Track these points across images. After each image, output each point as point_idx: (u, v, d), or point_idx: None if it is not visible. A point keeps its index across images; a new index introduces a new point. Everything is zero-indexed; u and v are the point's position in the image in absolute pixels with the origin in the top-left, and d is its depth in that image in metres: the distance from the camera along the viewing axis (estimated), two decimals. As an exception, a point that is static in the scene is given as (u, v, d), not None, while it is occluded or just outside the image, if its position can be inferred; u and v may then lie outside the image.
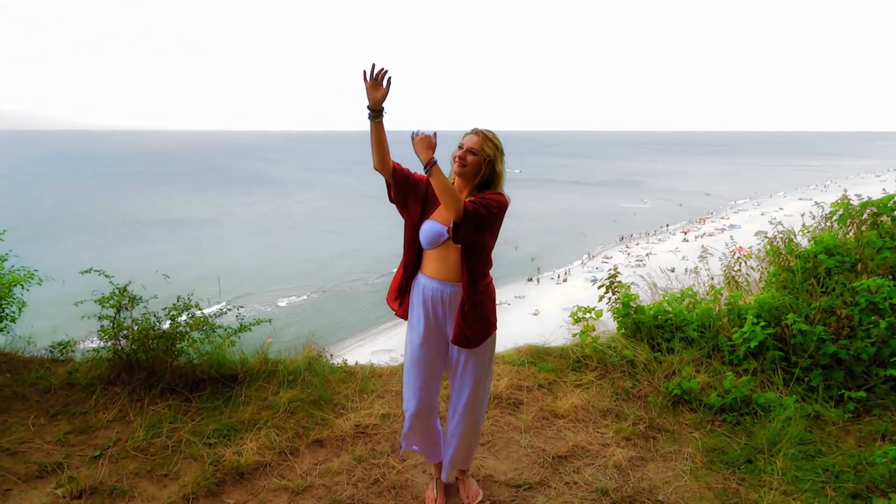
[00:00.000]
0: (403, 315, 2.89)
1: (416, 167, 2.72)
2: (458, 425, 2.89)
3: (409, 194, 2.70)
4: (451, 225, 2.51)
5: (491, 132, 2.68)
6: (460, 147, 2.67)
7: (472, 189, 2.70)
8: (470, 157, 2.64)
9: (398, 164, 2.69)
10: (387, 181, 2.70)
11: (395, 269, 2.88)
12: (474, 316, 2.69)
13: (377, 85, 2.47)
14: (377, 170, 2.64)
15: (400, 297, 2.88)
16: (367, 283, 47.35)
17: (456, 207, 2.43)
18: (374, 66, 2.47)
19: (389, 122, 2.58)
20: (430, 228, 2.66)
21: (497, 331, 2.86)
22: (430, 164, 2.44)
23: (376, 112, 2.49)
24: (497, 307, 2.87)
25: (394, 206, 2.76)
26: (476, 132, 2.67)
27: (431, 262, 2.73)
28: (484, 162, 2.65)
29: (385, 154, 2.60)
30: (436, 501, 3.00)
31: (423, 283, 2.76)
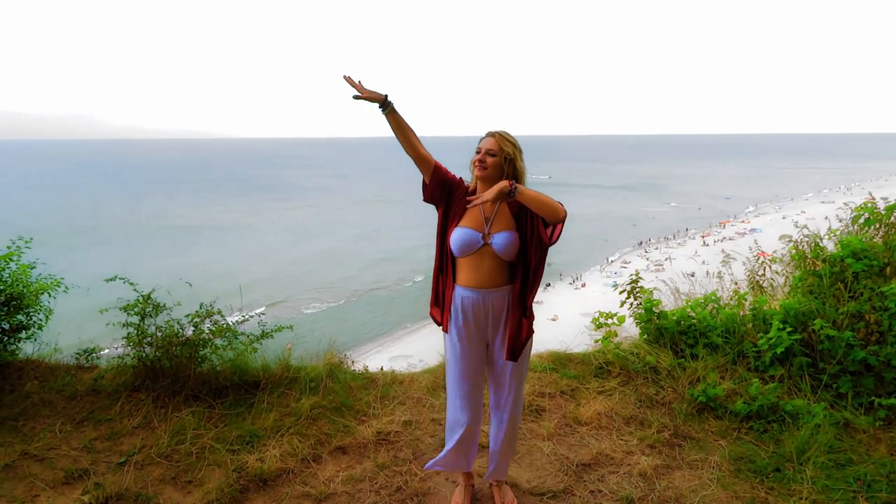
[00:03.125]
0: (445, 327, 2.85)
1: (458, 173, 2.77)
2: (504, 433, 2.88)
3: (444, 197, 2.72)
4: (548, 228, 2.59)
5: (506, 132, 2.69)
6: (478, 151, 2.67)
7: None
8: (490, 159, 2.64)
9: (440, 164, 2.72)
10: (423, 180, 2.72)
11: (432, 278, 2.90)
12: (528, 327, 2.73)
13: (363, 89, 2.57)
14: (409, 154, 2.67)
15: (438, 307, 2.86)
16: (386, 288, 47.46)
17: (558, 208, 2.49)
18: (347, 77, 2.57)
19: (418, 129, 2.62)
20: (464, 236, 2.65)
21: None
22: (387, 102, 2.57)
23: (383, 105, 2.59)
24: None
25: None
26: (492, 134, 2.67)
27: (466, 271, 2.70)
28: (505, 161, 2.66)
29: (410, 138, 2.64)
30: None
31: (461, 294, 2.72)
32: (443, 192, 2.73)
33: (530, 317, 2.77)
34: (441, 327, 2.85)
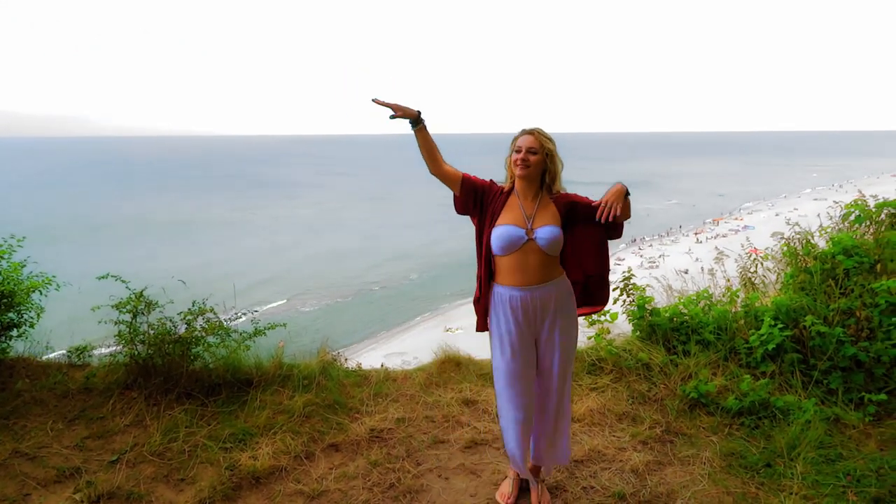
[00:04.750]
0: (480, 327, 2.89)
1: (479, 174, 2.81)
2: (550, 422, 2.92)
3: (477, 204, 2.74)
4: (616, 226, 2.72)
5: (541, 128, 2.71)
6: (518, 150, 2.67)
7: (539, 188, 2.74)
8: (532, 157, 2.65)
9: (467, 175, 2.73)
10: (454, 194, 2.74)
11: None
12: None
13: (397, 108, 2.59)
14: (434, 175, 2.69)
15: (476, 305, 2.87)
16: (383, 286, 47.43)
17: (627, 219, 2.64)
18: (377, 101, 2.61)
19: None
20: (506, 233, 2.65)
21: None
22: (420, 118, 2.60)
23: (414, 121, 2.60)
24: None
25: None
26: (529, 132, 2.68)
27: (511, 270, 2.70)
28: (546, 158, 2.68)
29: (436, 159, 2.67)
30: (510, 496, 3.01)
31: (509, 295, 2.71)
32: (475, 200, 2.74)
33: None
34: (479, 329, 2.88)
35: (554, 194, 2.75)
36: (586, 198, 2.78)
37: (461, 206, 2.77)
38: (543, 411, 2.92)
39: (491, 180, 2.80)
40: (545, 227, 2.66)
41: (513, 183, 2.75)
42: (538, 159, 2.66)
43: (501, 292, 2.73)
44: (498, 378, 2.85)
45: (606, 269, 2.90)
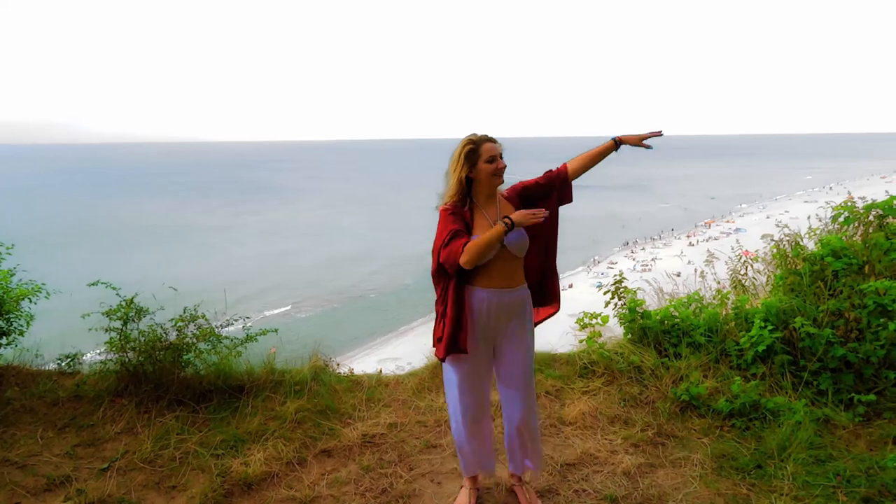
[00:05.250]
0: (448, 353, 2.81)
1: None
2: (527, 430, 2.88)
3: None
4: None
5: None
6: (492, 160, 2.68)
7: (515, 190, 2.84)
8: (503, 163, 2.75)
9: (460, 228, 2.68)
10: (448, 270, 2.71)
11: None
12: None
13: (532, 217, 2.54)
14: (463, 264, 2.61)
15: (450, 333, 2.77)
16: (376, 291, 47.35)
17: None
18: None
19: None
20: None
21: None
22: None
23: (511, 227, 2.56)
24: None
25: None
26: (491, 139, 2.71)
27: (481, 276, 2.70)
28: None
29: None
30: None
31: (476, 297, 2.71)
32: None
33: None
34: (452, 353, 2.77)
35: (504, 193, 2.83)
36: (530, 180, 2.85)
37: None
38: (511, 421, 2.88)
39: (453, 204, 2.72)
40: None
41: (462, 196, 2.72)
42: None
43: (474, 294, 2.73)
44: (449, 382, 2.86)
45: (554, 256, 2.95)
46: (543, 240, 2.85)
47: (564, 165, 2.87)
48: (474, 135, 2.70)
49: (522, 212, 2.55)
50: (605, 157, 2.88)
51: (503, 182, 2.76)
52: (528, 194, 2.83)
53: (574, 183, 2.90)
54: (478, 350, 2.78)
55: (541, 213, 2.53)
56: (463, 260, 2.56)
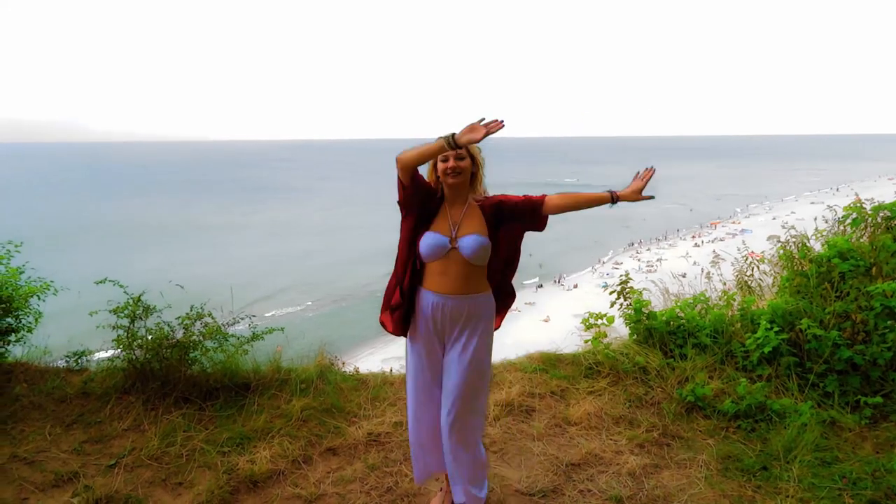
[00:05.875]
0: (396, 331, 2.82)
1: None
2: (458, 451, 2.76)
3: (420, 202, 2.66)
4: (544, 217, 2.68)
5: None
6: (445, 159, 2.59)
7: (467, 195, 2.69)
8: (462, 164, 2.60)
9: (419, 174, 2.65)
10: (403, 182, 2.59)
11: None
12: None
13: (479, 130, 2.38)
14: (402, 170, 2.54)
15: (391, 312, 2.82)
16: (380, 291, 47.22)
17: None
18: (497, 120, 2.40)
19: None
20: (432, 240, 2.62)
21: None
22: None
23: (454, 146, 2.44)
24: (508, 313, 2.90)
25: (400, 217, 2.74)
26: None
27: (430, 275, 2.68)
28: (473, 162, 2.66)
29: (419, 165, 2.59)
30: None
31: (429, 300, 2.69)
32: (420, 195, 2.65)
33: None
34: (391, 332, 2.82)
35: (479, 199, 2.70)
36: (515, 196, 2.73)
37: (407, 201, 2.65)
38: (441, 433, 2.79)
39: (435, 181, 2.71)
40: (469, 235, 2.61)
41: (439, 189, 2.71)
42: (467, 165, 2.62)
43: (423, 296, 2.71)
44: (410, 385, 2.85)
45: (514, 270, 2.87)
46: (502, 262, 2.76)
47: (543, 197, 2.69)
48: None
49: (467, 126, 2.40)
50: (596, 205, 2.71)
51: (455, 182, 2.61)
52: (501, 209, 2.69)
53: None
54: (428, 344, 2.75)
55: (487, 128, 2.37)
56: (399, 157, 2.52)
